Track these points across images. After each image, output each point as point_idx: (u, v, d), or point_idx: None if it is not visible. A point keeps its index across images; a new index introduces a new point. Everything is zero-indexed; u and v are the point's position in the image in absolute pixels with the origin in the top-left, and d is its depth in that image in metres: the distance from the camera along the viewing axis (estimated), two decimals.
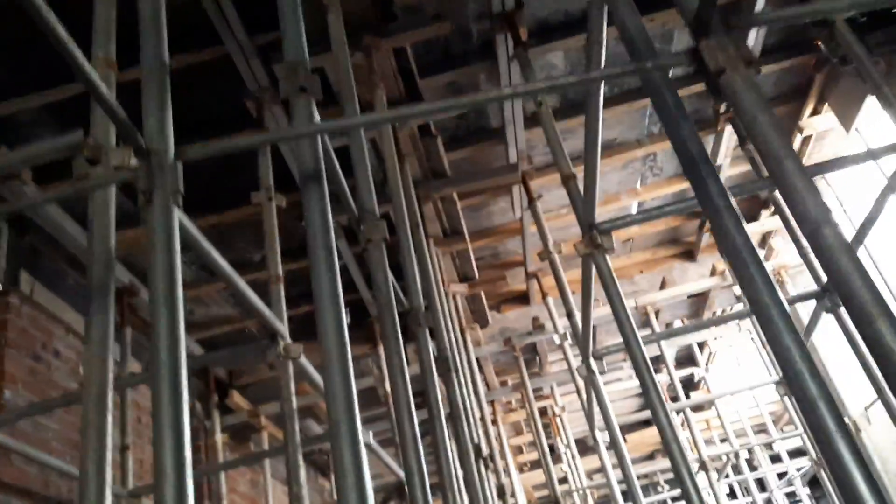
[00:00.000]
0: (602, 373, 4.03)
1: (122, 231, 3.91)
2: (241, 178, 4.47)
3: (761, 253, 5.96)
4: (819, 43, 4.15)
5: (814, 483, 7.92)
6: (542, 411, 9.23)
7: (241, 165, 4.34)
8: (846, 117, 4.53)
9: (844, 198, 5.19)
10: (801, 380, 1.32)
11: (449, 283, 5.40)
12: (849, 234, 4.43)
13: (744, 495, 8.26)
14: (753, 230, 5.70)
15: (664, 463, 8.46)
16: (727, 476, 7.80)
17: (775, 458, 8.59)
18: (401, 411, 1.97)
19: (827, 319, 5.41)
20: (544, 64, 4.22)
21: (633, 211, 5.76)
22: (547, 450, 6.64)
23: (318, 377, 3.35)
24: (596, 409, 4.70)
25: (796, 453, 8.36)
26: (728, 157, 5.02)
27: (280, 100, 3.80)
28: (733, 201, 1.58)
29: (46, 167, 2.12)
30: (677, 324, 7.10)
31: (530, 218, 5.22)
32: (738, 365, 7.73)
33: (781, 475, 8.31)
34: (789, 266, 5.75)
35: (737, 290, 5.48)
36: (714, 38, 1.54)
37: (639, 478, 4.33)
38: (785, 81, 4.73)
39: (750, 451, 6.90)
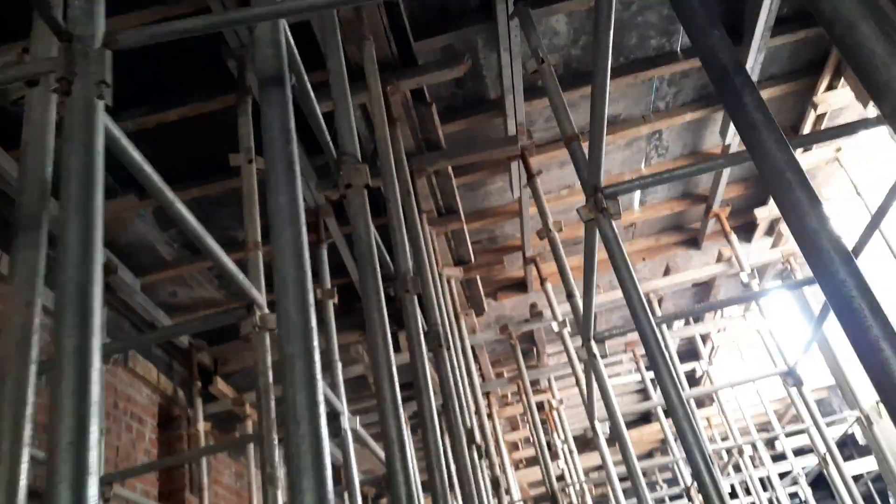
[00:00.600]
0: (603, 356, 3.79)
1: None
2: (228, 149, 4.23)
3: (769, 241, 5.72)
4: None
5: (818, 482, 7.67)
6: (540, 406, 9.00)
7: (229, 136, 4.09)
8: (863, 91, 4.29)
9: (859, 180, 4.96)
10: (860, 317, 1.08)
11: (443, 266, 5.16)
12: (864, 219, 4.18)
13: (746, 495, 8.01)
14: (762, 215, 5.47)
15: (663, 460, 8.22)
16: (728, 475, 7.55)
17: (778, 458, 8.36)
18: (380, 373, 1.73)
19: None
20: (546, 30, 3.98)
21: (637, 193, 5.52)
22: (544, 444, 6.38)
23: None
24: (596, 397, 4.47)
25: (799, 452, 8.13)
26: (738, 135, 4.78)
27: None
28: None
29: None
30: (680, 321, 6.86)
31: (529, 200, 4.99)
32: (742, 360, 7.49)
33: (784, 475, 8.07)
34: (799, 254, 5.51)
35: (744, 277, 5.24)
36: None
37: None
38: (800, 55, 4.49)
39: (754, 448, 6.65)
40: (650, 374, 7.81)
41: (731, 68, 1.36)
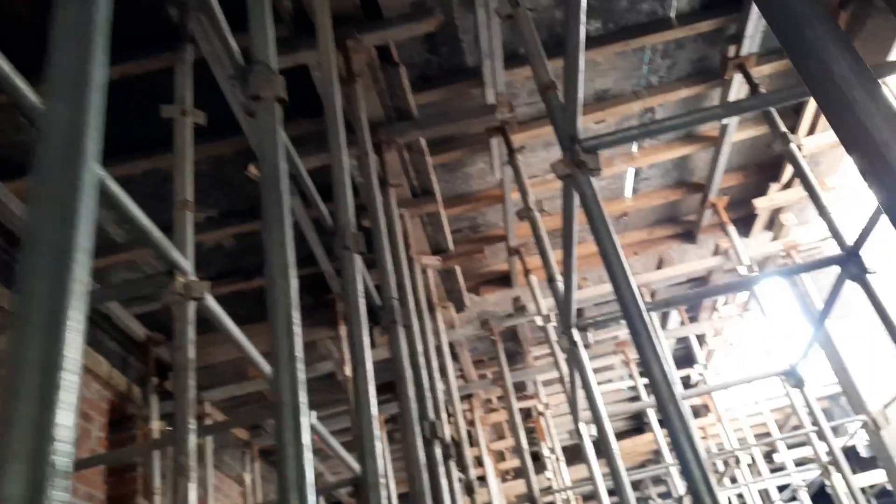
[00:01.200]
0: (587, 346, 3.42)
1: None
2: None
3: (768, 235, 5.36)
4: None
5: (820, 497, 7.26)
6: (527, 414, 8.59)
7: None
8: (872, 65, 3.94)
9: None
10: None
11: (419, 255, 4.79)
12: (871, 207, 3.81)
13: None
14: (762, 206, 5.11)
15: (654, 470, 7.81)
16: (724, 486, 7.13)
17: (777, 470, 7.95)
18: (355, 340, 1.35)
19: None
20: None
21: (630, 180, 5.16)
22: (527, 453, 5.95)
23: (235, 329, 2.74)
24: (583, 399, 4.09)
25: (800, 463, 7.73)
26: (736, 117, 4.43)
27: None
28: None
29: None
30: (674, 315, 6.48)
31: (512, 184, 4.63)
32: (740, 365, 7.10)
33: (783, 487, 7.67)
34: (800, 245, 5.15)
35: (742, 269, 4.87)
36: None
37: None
38: None
39: (752, 459, 6.26)
40: (644, 381, 7.42)
41: None
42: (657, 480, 10.10)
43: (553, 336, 4.88)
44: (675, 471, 5.94)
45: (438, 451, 2.91)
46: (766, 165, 5.15)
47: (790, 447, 6.31)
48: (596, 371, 6.14)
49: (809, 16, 0.87)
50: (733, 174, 5.19)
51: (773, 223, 5.38)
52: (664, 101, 4.39)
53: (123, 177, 3.96)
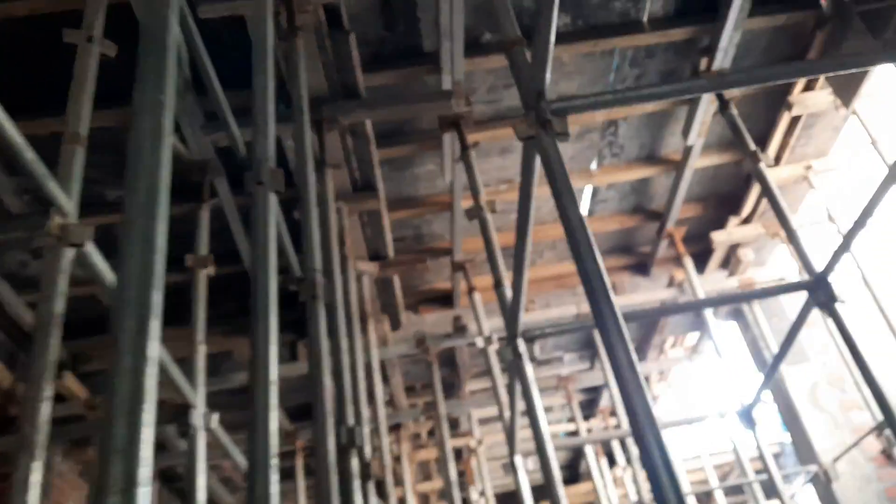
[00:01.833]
0: (533, 359, 3.06)
1: None
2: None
3: (724, 273, 5.13)
4: None
5: None
6: (458, 454, 8.10)
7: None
8: (846, 91, 3.79)
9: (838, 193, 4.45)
10: None
11: (355, 259, 4.38)
12: (836, 242, 3.60)
13: None
14: (720, 239, 4.88)
15: None
16: None
17: None
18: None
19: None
20: None
21: (586, 200, 4.89)
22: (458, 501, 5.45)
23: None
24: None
25: None
26: (702, 136, 4.21)
27: None
28: None
29: None
30: None
31: (462, 190, 4.30)
32: (684, 411, 6.81)
33: None
34: (756, 284, 4.93)
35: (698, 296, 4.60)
36: None
37: None
38: (777, 45, 3.97)
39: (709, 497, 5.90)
40: (586, 425, 7.06)
41: None
42: None
43: (494, 360, 4.49)
44: None
45: (355, 464, 2.47)
46: (727, 198, 4.95)
47: (728, 492, 5.99)
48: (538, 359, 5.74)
49: None
50: (692, 205, 4.97)
51: (728, 261, 5.16)
52: (629, 113, 4.16)
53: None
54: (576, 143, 4.36)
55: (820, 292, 3.13)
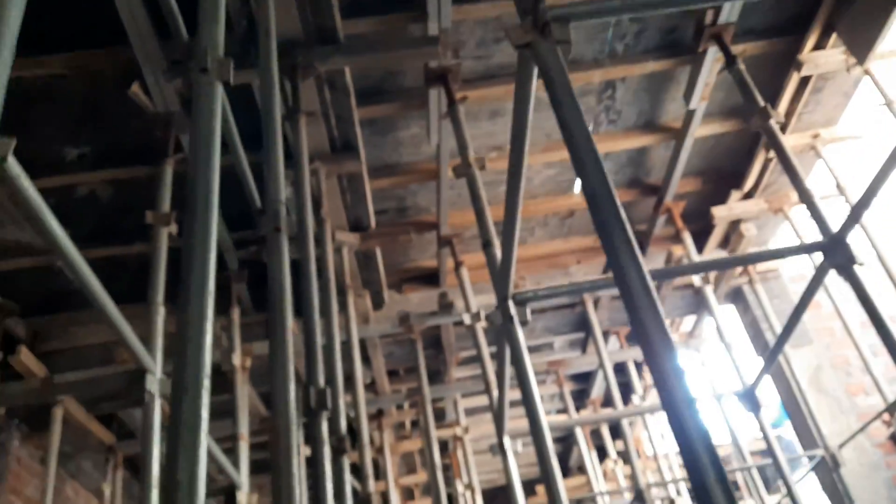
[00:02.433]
0: (524, 323, 2.79)
1: None
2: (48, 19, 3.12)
3: (723, 252, 4.88)
4: None
5: None
6: (443, 447, 7.81)
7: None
8: (860, 47, 3.55)
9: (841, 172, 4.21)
10: None
11: (335, 229, 4.10)
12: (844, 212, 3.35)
13: None
14: (720, 215, 4.63)
15: None
16: None
17: None
18: None
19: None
20: None
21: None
22: (443, 493, 5.16)
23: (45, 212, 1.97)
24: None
25: None
26: (704, 100, 3.96)
27: None
28: None
29: None
30: (613, 341, 5.92)
31: (449, 157, 4.03)
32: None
33: None
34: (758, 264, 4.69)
35: (696, 280, 4.36)
36: None
37: None
38: (784, 6, 3.73)
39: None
40: (577, 416, 6.79)
41: None
42: None
43: (482, 339, 4.22)
44: None
45: (325, 428, 2.19)
46: (728, 172, 4.71)
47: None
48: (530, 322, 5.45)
49: None
50: (692, 179, 4.72)
51: (728, 240, 4.91)
52: (628, 74, 3.90)
53: None
54: None
55: (837, 254, 2.88)
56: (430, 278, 5.07)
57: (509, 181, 2.14)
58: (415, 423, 7.13)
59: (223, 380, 4.45)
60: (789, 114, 4.16)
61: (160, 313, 2.92)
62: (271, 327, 1.72)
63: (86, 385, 3.79)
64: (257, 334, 4.52)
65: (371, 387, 5.57)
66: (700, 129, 4.25)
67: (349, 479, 2.82)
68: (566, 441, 8.58)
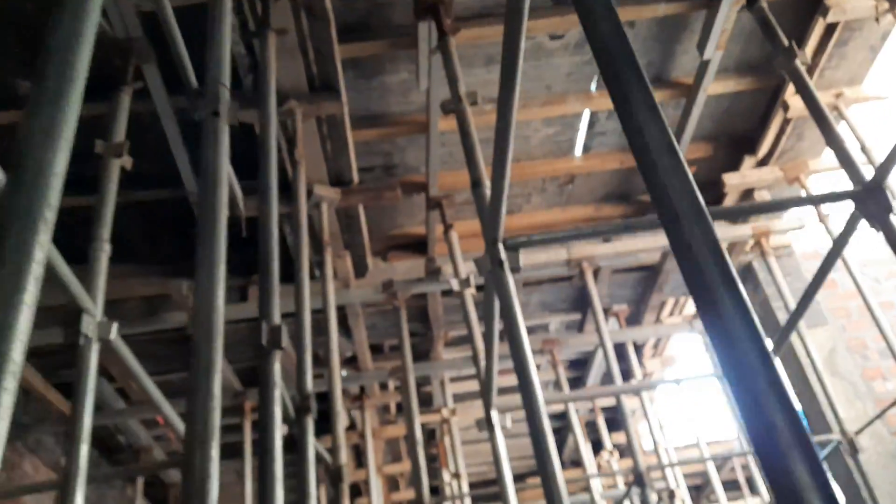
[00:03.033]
0: (515, 270, 2.44)
1: None
2: None
3: (734, 225, 4.56)
4: None
5: None
6: (430, 435, 7.46)
7: None
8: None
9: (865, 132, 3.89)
10: None
11: (312, 181, 3.76)
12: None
13: None
14: (732, 182, 4.31)
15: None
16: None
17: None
18: None
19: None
20: None
21: (582, 132, 4.29)
22: (424, 476, 4.78)
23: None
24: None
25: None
26: (720, 49, 3.63)
27: None
28: None
29: None
30: (613, 323, 5.59)
31: (440, 109, 3.68)
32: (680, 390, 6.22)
33: None
34: (772, 232, 4.35)
35: None
36: None
37: None
38: None
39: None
40: (572, 403, 6.44)
41: None
42: None
43: (470, 307, 3.88)
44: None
45: (276, 369, 1.84)
46: (741, 137, 4.38)
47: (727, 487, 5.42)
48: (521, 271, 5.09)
49: None
50: (702, 144, 4.38)
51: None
52: (638, 16, 3.56)
53: None
54: (574, 54, 3.77)
55: (870, 202, 2.55)
56: (418, 246, 4.73)
57: (498, 118, 1.80)
58: (400, 407, 6.78)
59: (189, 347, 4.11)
60: (811, 69, 3.83)
61: (105, 249, 2.58)
62: (202, 217, 1.39)
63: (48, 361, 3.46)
64: (230, 296, 4.18)
65: (352, 362, 5.23)
66: (713, 86, 3.92)
67: (312, 442, 2.48)
68: (560, 433, 8.23)
